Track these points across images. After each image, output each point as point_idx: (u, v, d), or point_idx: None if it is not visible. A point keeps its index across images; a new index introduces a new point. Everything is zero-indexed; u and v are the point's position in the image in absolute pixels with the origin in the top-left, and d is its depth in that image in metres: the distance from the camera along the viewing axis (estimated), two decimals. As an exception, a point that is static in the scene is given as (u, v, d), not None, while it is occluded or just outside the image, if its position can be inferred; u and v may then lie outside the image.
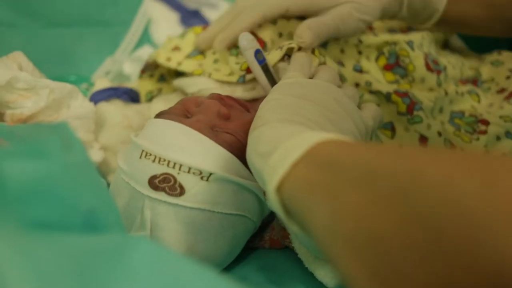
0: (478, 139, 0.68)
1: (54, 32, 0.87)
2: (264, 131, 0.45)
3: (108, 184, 0.69)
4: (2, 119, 0.66)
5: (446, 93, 0.71)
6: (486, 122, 0.68)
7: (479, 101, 0.72)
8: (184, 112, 0.57)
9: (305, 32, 0.61)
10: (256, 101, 0.65)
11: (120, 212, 0.53)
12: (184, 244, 0.52)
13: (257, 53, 0.60)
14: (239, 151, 0.53)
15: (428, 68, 0.70)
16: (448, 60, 0.75)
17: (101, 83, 0.80)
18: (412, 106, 0.65)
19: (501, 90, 0.72)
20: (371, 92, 0.66)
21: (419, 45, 0.72)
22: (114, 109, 0.75)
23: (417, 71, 0.69)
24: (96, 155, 0.66)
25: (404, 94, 0.66)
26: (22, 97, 0.64)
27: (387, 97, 0.66)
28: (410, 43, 0.71)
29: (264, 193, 0.54)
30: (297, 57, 0.60)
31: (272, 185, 0.39)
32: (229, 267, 0.58)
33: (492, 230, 0.25)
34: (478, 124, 0.69)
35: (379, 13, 0.67)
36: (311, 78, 0.57)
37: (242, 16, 0.66)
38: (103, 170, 0.69)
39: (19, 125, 0.60)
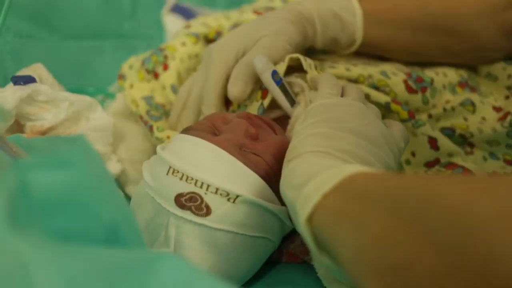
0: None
1: (73, 44, 0.88)
2: (299, 164, 0.46)
3: (125, 196, 0.69)
4: (22, 130, 0.67)
5: (430, 116, 0.69)
6: (472, 145, 0.69)
7: (473, 111, 0.70)
8: (211, 129, 0.57)
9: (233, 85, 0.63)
10: (279, 119, 0.65)
11: (143, 226, 0.54)
12: (206, 263, 0.52)
13: (274, 74, 0.60)
14: (265, 172, 0.54)
15: (410, 90, 0.68)
16: (436, 71, 0.72)
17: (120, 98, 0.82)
18: (412, 111, 0.66)
19: (498, 109, 0.70)
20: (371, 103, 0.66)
21: (394, 72, 0.70)
22: (132, 122, 0.76)
23: (399, 96, 0.68)
24: (114, 167, 0.67)
25: (401, 103, 0.66)
26: (42, 110, 0.65)
27: (386, 107, 0.66)
28: (383, 73, 0.69)
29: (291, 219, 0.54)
30: (325, 76, 0.59)
31: (304, 215, 0.40)
32: (245, 283, 0.58)
33: (508, 250, 0.26)
34: (465, 146, 0.69)
35: (295, 40, 0.65)
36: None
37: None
38: (121, 182, 0.70)
39: (37, 138, 0.61)
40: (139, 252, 0.31)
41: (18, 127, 0.66)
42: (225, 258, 0.52)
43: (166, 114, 0.76)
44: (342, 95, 0.57)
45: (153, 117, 0.75)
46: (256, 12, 0.86)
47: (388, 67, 0.71)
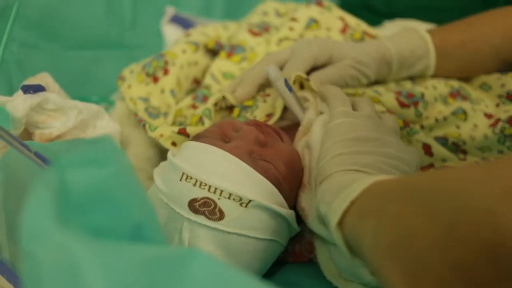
0: None
1: (76, 54, 0.90)
2: (329, 184, 0.50)
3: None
4: (30, 138, 0.68)
5: (422, 127, 0.72)
6: (465, 153, 0.71)
7: (465, 119, 0.73)
8: (221, 136, 0.59)
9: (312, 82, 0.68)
10: (286, 128, 0.67)
11: None
12: None
13: (286, 82, 0.64)
14: (274, 178, 0.56)
15: (402, 105, 0.71)
16: (426, 85, 0.76)
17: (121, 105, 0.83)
18: (406, 120, 0.69)
19: (489, 115, 0.73)
20: None
21: (385, 91, 0.73)
22: (132, 127, 0.77)
23: (393, 111, 0.71)
24: (122, 173, 0.68)
25: (394, 113, 0.69)
26: (51, 118, 0.66)
27: None
28: (376, 92, 0.73)
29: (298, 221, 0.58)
30: (333, 90, 0.63)
31: (334, 221, 0.44)
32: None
33: (490, 210, 0.30)
34: (458, 153, 0.71)
35: (375, 69, 0.73)
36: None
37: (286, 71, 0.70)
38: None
39: (58, 141, 0.63)
40: (173, 249, 0.32)
41: (26, 135, 0.67)
42: (237, 260, 0.54)
43: (164, 115, 0.78)
44: (354, 109, 0.61)
45: (152, 115, 0.77)
46: (251, 31, 0.89)
47: (379, 88, 0.75)
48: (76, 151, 0.32)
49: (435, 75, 0.78)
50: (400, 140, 0.59)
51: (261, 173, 0.55)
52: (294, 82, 0.68)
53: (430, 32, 0.77)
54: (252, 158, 0.56)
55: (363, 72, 0.72)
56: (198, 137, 0.59)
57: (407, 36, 0.76)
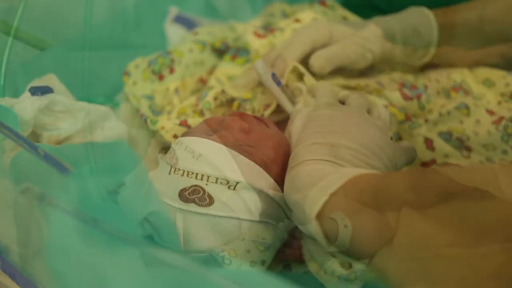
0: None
1: (80, 55, 0.89)
2: (301, 170, 0.50)
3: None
4: (38, 140, 0.67)
5: (426, 120, 0.72)
6: (469, 149, 0.71)
7: (468, 115, 0.73)
8: (207, 131, 0.61)
9: (315, 60, 0.69)
10: (279, 123, 0.68)
11: None
12: None
13: (273, 76, 0.65)
14: (261, 160, 0.57)
15: (406, 97, 0.71)
16: (429, 78, 0.76)
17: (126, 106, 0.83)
18: (408, 114, 0.69)
19: (491, 112, 0.73)
20: None
21: (388, 82, 0.74)
22: (137, 128, 0.77)
23: (396, 104, 0.71)
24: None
25: (396, 106, 0.70)
26: (59, 120, 0.66)
27: None
28: (379, 83, 0.73)
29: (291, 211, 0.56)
30: (323, 85, 0.64)
31: (313, 213, 0.45)
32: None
33: None
34: (462, 150, 0.71)
35: (379, 43, 0.73)
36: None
37: (284, 55, 0.71)
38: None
39: (68, 145, 0.63)
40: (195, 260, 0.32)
41: (34, 137, 0.67)
42: (233, 245, 0.54)
43: (168, 114, 0.79)
44: (344, 103, 0.61)
45: (155, 112, 0.78)
46: (256, 33, 0.89)
47: (383, 79, 0.75)
48: (93, 159, 0.32)
49: (437, 53, 0.78)
50: (388, 136, 0.59)
51: (247, 157, 0.56)
52: (293, 71, 0.68)
53: (432, 11, 0.78)
54: (237, 145, 0.57)
55: (366, 47, 0.72)
56: (185, 134, 0.61)
57: (409, 13, 0.78)
